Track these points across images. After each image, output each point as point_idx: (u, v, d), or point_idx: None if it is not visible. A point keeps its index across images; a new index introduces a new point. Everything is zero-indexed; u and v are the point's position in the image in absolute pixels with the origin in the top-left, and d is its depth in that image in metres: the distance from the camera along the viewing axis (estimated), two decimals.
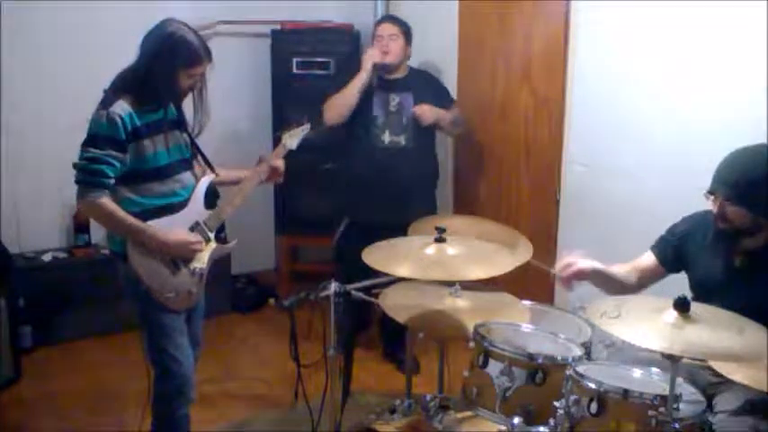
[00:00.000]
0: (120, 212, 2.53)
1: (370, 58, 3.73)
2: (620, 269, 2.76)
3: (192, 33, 2.59)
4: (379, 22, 3.90)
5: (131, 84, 2.57)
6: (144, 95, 2.56)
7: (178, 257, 2.67)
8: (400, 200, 3.64)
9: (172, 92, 2.61)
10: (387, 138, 3.75)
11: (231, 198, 2.82)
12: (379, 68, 3.84)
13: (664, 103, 3.31)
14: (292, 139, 2.98)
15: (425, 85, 3.91)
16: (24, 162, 4.24)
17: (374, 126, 3.76)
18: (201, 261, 2.74)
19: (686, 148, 3.20)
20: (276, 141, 2.98)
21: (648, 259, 2.76)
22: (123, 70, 2.62)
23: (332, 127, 3.81)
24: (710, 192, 2.46)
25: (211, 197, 2.81)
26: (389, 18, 3.91)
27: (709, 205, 2.52)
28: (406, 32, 3.83)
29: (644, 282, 2.75)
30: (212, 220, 2.76)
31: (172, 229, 2.63)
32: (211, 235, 2.76)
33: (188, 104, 2.76)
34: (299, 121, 3.05)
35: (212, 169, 2.84)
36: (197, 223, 2.72)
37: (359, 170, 3.82)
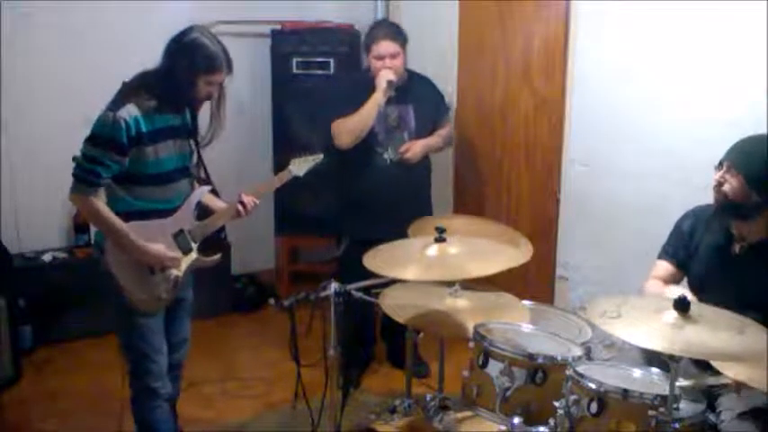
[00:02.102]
0: (106, 212, 2.54)
1: (384, 77, 3.51)
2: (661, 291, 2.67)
3: (215, 41, 2.59)
4: (376, 38, 3.58)
5: (147, 86, 2.56)
6: (162, 99, 2.56)
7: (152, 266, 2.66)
8: (404, 216, 3.40)
9: (190, 97, 2.60)
10: (389, 156, 3.62)
11: (222, 212, 2.80)
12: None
13: (664, 103, 3.31)
14: (300, 167, 2.93)
15: (424, 95, 3.75)
16: (24, 162, 4.24)
17: (376, 143, 3.61)
18: (178, 269, 2.72)
19: (686, 148, 3.20)
20: (282, 166, 2.96)
21: (663, 268, 2.73)
22: (141, 72, 2.61)
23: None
24: (720, 162, 2.49)
25: (203, 208, 2.80)
26: (388, 33, 3.59)
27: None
28: (405, 44, 3.64)
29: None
30: (198, 231, 2.74)
31: (153, 236, 2.61)
32: (194, 245, 2.74)
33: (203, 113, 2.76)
34: (313, 150, 3.01)
35: (210, 181, 2.84)
36: (181, 231, 2.70)
37: (362, 190, 3.67)
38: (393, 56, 3.55)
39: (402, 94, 3.64)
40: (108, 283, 2.64)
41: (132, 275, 2.63)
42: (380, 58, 3.55)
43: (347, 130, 3.54)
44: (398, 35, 3.62)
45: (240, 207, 2.79)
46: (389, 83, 3.51)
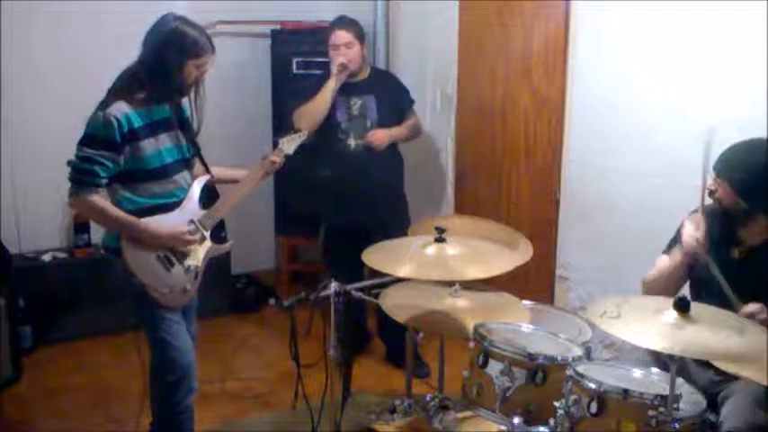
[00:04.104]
0: (112, 208, 2.55)
1: (336, 61, 3.73)
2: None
3: (194, 25, 2.62)
4: (332, 29, 3.82)
5: (136, 81, 2.57)
6: (151, 90, 2.57)
7: (172, 248, 2.67)
8: (371, 201, 3.73)
9: (179, 84, 2.61)
10: (352, 142, 3.77)
11: (227, 198, 2.83)
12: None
13: (663, 104, 3.31)
14: (289, 144, 3.02)
15: (387, 86, 3.92)
16: (24, 162, 4.24)
17: (339, 131, 3.78)
18: (196, 259, 2.74)
19: (686, 148, 3.20)
20: (274, 145, 3.01)
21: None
22: (126, 69, 2.62)
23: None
24: (713, 168, 2.51)
25: (207, 197, 2.82)
26: (342, 24, 3.82)
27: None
28: (360, 36, 3.82)
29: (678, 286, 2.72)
30: (207, 220, 2.76)
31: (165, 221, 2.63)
32: (206, 233, 2.77)
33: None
34: (297, 127, 3.10)
35: (208, 170, 2.85)
36: (191, 222, 2.72)
37: (328, 176, 3.85)
38: (347, 45, 3.75)
39: (365, 86, 3.84)
40: (123, 284, 2.64)
41: (153, 272, 2.64)
42: (336, 47, 3.77)
43: (305, 114, 3.72)
44: (352, 26, 3.83)
45: (269, 166, 2.87)
46: (341, 66, 3.71)
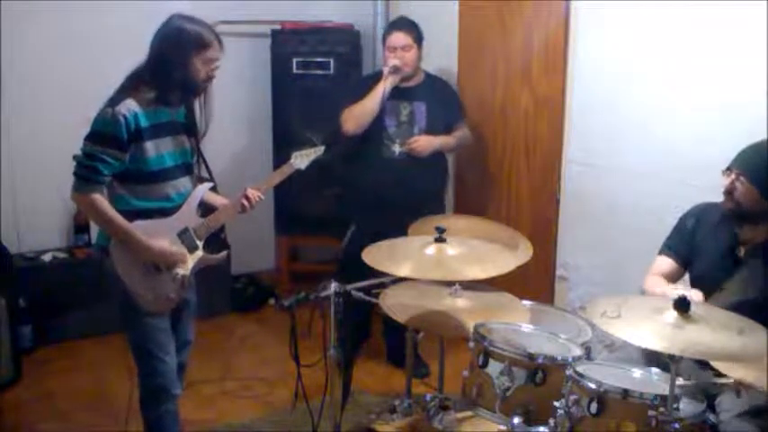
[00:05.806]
0: (110, 210, 2.53)
1: (390, 63, 3.62)
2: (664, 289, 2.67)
3: (200, 22, 2.61)
4: (390, 30, 3.72)
5: (145, 81, 2.55)
6: (162, 91, 2.55)
7: (159, 264, 2.65)
8: (410, 211, 3.48)
9: (189, 81, 2.58)
10: (397, 149, 3.69)
11: (226, 209, 2.79)
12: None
13: (664, 103, 3.31)
14: (302, 160, 2.91)
15: (439, 95, 3.81)
16: (24, 162, 4.24)
17: (385, 136, 3.69)
18: (185, 267, 2.70)
19: (686, 148, 3.20)
20: (281, 160, 2.95)
21: (665, 264, 2.73)
22: (135, 68, 2.60)
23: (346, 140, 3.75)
24: (729, 168, 2.50)
25: (206, 206, 2.79)
26: (402, 26, 3.72)
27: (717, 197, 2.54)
28: (419, 39, 3.72)
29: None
30: (202, 229, 2.73)
31: (157, 235, 2.60)
32: (199, 243, 2.73)
33: None
34: (314, 142, 3.03)
35: (212, 178, 2.84)
36: (186, 229, 2.69)
37: (368, 181, 3.74)
38: (404, 48, 3.65)
39: (416, 92, 3.73)
40: (113, 284, 2.63)
41: (138, 276, 2.62)
42: (393, 49, 3.65)
43: (352, 116, 3.65)
44: (412, 28, 3.72)
45: (245, 201, 2.78)
46: (394, 68, 3.60)
